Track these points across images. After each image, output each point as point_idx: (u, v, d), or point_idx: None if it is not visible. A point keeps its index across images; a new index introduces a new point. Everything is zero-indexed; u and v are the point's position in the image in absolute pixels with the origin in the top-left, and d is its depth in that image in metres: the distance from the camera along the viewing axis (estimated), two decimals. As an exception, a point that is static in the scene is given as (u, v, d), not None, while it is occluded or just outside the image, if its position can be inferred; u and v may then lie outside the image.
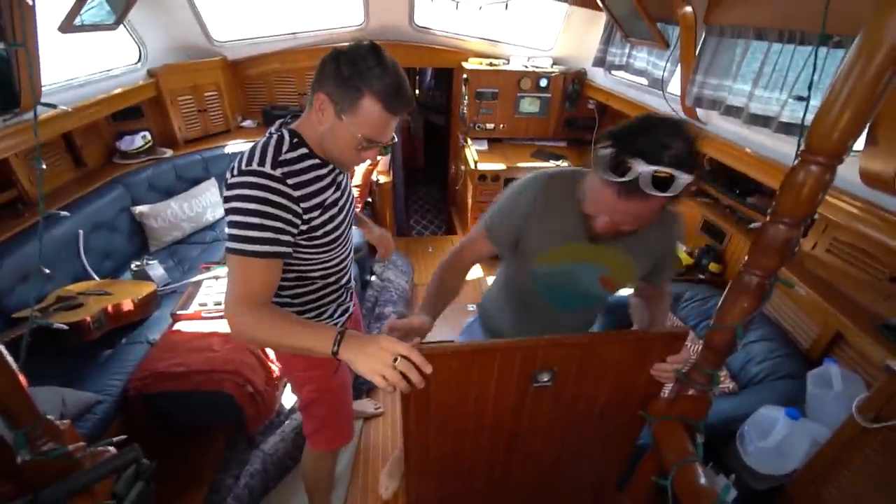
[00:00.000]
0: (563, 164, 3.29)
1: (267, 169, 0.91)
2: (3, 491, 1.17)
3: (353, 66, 0.90)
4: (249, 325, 0.88)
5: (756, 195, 2.27)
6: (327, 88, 0.92)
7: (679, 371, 0.93)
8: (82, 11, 1.95)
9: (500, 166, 3.21)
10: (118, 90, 2.50)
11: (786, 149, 1.84)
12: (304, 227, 1.00)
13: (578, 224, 1.04)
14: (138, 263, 2.30)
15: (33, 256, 1.88)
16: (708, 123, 2.28)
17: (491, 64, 3.37)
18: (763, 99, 1.81)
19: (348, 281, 1.32)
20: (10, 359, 0.67)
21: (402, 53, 3.52)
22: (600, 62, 2.96)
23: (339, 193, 1.11)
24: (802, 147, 0.66)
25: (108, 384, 1.73)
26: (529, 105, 3.42)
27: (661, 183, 0.81)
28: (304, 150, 1.00)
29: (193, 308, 2.08)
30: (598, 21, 2.95)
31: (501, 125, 3.49)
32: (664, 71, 2.36)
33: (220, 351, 1.84)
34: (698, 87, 2.14)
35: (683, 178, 0.82)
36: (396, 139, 1.08)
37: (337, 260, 1.18)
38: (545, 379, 0.93)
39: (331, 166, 1.07)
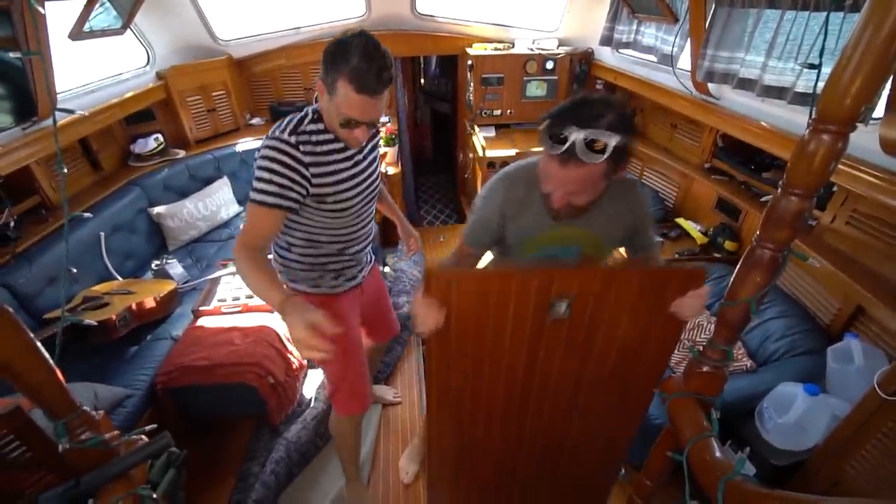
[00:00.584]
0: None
1: (285, 136, 1.10)
2: (48, 480, 1.24)
3: (334, 53, 1.03)
4: (242, 267, 1.08)
5: (772, 170, 2.22)
6: (321, 74, 1.08)
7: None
8: (90, 18, 1.99)
9: (510, 152, 3.18)
10: (129, 94, 2.54)
11: (802, 120, 1.79)
12: (313, 192, 1.15)
13: (544, 208, 1.09)
14: (158, 263, 2.37)
15: (59, 259, 1.95)
16: (720, 98, 2.22)
17: (495, 49, 3.33)
18: (777, 70, 1.76)
19: (358, 252, 1.41)
20: (46, 355, 0.71)
21: (406, 43, 3.49)
22: (607, 41, 2.90)
23: (355, 170, 1.23)
24: (814, 116, 0.65)
25: (137, 379, 1.80)
26: (536, 88, 3.37)
27: (596, 148, 0.87)
28: (321, 126, 1.15)
29: (213, 304, 2.13)
30: (603, -2, 2.88)
31: (508, 111, 3.45)
32: (673, 46, 2.31)
33: (241, 344, 1.90)
34: (709, 60, 2.08)
35: (616, 141, 0.87)
36: (382, 122, 1.19)
37: (347, 230, 1.31)
38: (562, 310, 0.91)
39: (344, 144, 1.19)
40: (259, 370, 1.82)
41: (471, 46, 3.38)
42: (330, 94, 1.08)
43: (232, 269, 2.34)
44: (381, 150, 1.41)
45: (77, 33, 1.94)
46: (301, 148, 1.11)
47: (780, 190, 0.70)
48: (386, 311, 1.75)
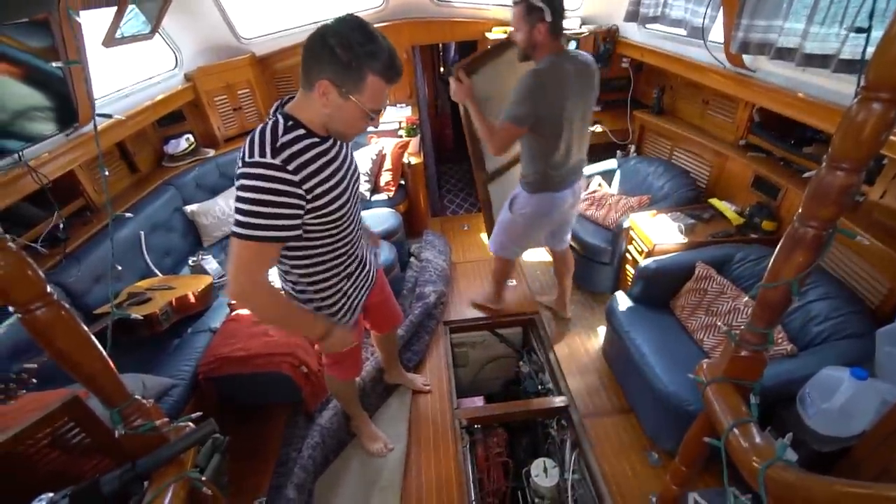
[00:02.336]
0: (599, 129, 3.16)
1: (268, 159, 0.97)
2: (104, 464, 1.33)
3: (348, 49, 0.95)
4: (261, 303, 1.10)
5: (814, 144, 2.10)
6: (327, 74, 0.98)
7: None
8: (121, 24, 2.06)
9: (532, 137, 3.13)
10: (160, 96, 2.64)
11: (847, 90, 1.67)
12: (309, 206, 1.07)
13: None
14: (195, 259, 2.47)
15: (105, 258, 2.07)
16: (756, 71, 2.11)
17: (515, 31, 3.25)
18: (819, 36, 1.65)
19: (361, 251, 1.38)
20: (100, 347, 0.76)
21: (424, 30, 3.46)
22: (633, 16, 2.78)
23: (338, 163, 1.15)
24: (863, 83, 0.61)
25: (180, 370, 1.90)
26: (558, 70, 3.28)
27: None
28: (300, 132, 1.05)
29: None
30: (628, -29, 2.76)
31: (530, 94, 3.38)
32: (704, 17, 2.19)
33: (276, 335, 1.97)
34: (744, 31, 1.97)
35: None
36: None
37: (347, 235, 1.26)
38: None
39: (331, 140, 1.13)
40: (293, 360, 1.89)
41: (490, 30, 3.32)
42: (348, 94, 1.00)
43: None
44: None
45: (110, 40, 2.02)
46: (289, 167, 0.99)
47: (824, 164, 0.67)
48: (388, 301, 1.75)
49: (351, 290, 1.38)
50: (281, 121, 1.04)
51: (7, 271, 0.60)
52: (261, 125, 1.04)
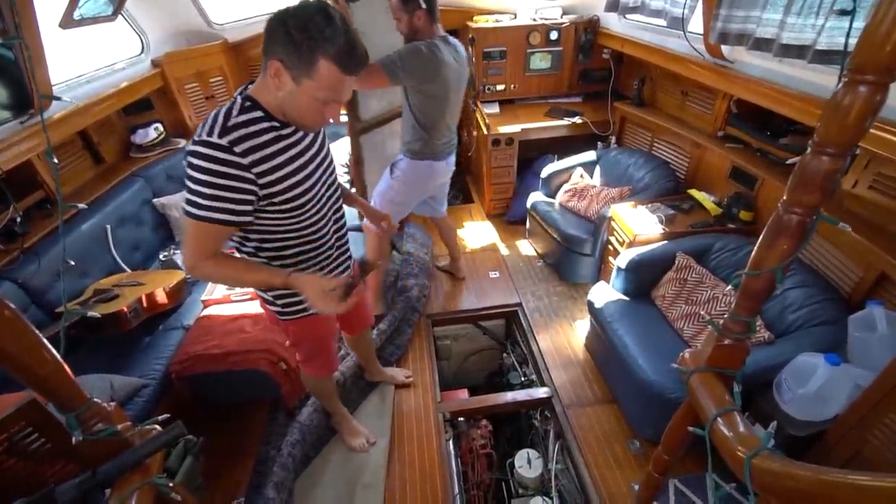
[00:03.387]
0: (579, 120, 3.16)
1: (214, 138, 0.93)
2: (68, 470, 1.26)
3: (303, 30, 0.90)
4: (213, 273, 1.08)
5: (789, 135, 2.13)
6: (279, 55, 0.93)
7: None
8: (80, 5, 1.93)
9: (515, 128, 3.11)
10: (125, 83, 2.50)
11: (823, 80, 1.70)
12: (263, 193, 1.02)
13: None
14: (166, 253, 2.37)
15: (71, 253, 1.95)
16: (735, 62, 2.12)
17: (497, 21, 3.21)
18: (797, 27, 1.67)
19: (335, 251, 1.31)
20: (52, 349, 0.70)
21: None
22: (613, 6, 2.77)
23: (305, 157, 1.10)
24: (848, 67, 0.59)
25: (152, 369, 1.82)
26: (540, 61, 3.26)
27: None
28: (257, 114, 1.00)
29: (222, 293, 2.13)
30: (609, -40, 2.74)
31: (512, 85, 3.35)
32: (684, 8, 2.19)
33: (252, 332, 1.90)
34: (723, 21, 1.98)
35: None
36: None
37: (311, 229, 1.18)
38: None
39: (293, 129, 1.06)
40: (271, 356, 1.83)
41: (471, 19, 3.27)
42: (298, 77, 0.94)
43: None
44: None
45: (67, 22, 1.89)
46: (236, 148, 0.95)
47: (809, 149, 0.66)
48: (360, 302, 1.70)
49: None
50: (238, 101, 1.00)
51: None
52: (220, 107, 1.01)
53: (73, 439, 0.76)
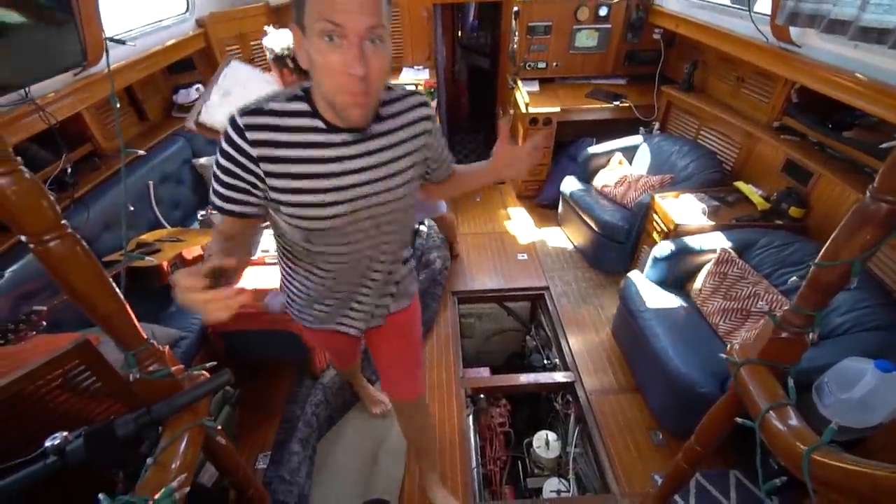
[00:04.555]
0: (622, 103, 3.04)
1: (237, 115, 0.79)
2: (114, 409, 1.32)
3: None
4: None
5: (854, 129, 2.00)
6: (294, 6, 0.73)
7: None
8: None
9: (554, 108, 3.01)
10: (171, 41, 2.52)
11: (904, 70, 1.57)
12: (271, 196, 0.83)
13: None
14: (203, 213, 2.42)
15: (114, 205, 2.02)
16: (802, 46, 1.98)
17: (544, -7, 3.08)
18: (881, 7, 1.53)
19: (357, 300, 1.08)
20: (116, 288, 0.72)
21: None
22: (672, -18, 2.62)
23: (349, 164, 0.84)
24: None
25: (190, 322, 1.89)
26: (587, 38, 3.13)
27: None
28: (300, 106, 0.81)
29: (257, 254, 2.18)
30: (671, -69, 2.58)
31: (555, 63, 3.23)
32: (752, -15, 2.05)
33: (285, 294, 1.94)
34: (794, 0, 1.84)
35: None
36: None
37: (345, 250, 0.94)
38: None
39: (344, 137, 0.83)
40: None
41: (516, -9, 3.14)
42: (304, 27, 0.72)
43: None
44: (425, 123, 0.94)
45: (120, -26, 1.91)
46: (248, 135, 0.78)
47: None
48: (399, 358, 1.32)
49: (320, 303, 1.10)
50: (294, 91, 0.83)
51: (20, 197, 0.55)
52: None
53: (131, 377, 0.79)
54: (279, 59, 1.93)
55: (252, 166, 0.80)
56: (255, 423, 1.93)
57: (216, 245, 0.82)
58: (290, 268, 1.05)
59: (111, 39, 1.19)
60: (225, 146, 0.80)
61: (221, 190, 0.82)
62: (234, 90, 2.18)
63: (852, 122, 2.02)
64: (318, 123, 0.81)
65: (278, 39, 1.92)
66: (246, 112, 0.79)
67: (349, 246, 0.94)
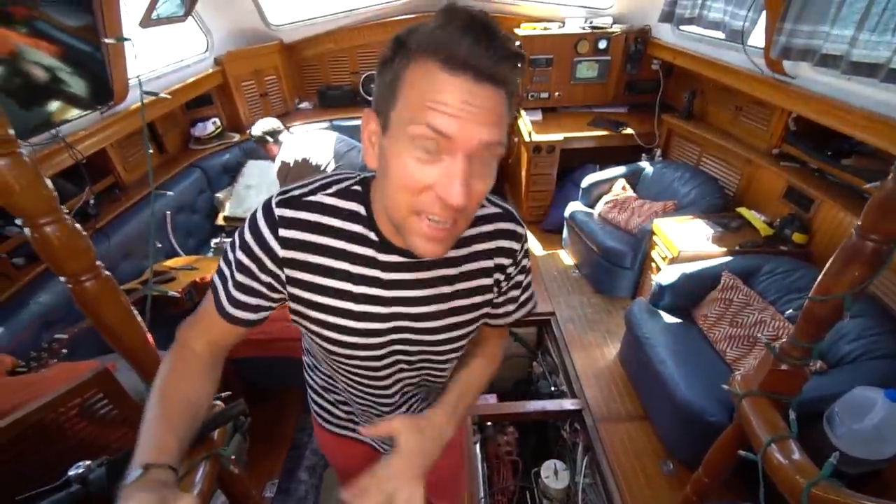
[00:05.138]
0: (624, 131, 3.11)
1: (273, 203, 0.63)
2: (129, 437, 1.35)
3: (394, 43, 0.54)
4: (161, 370, 0.69)
5: (853, 156, 2.03)
6: (374, 92, 0.57)
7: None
8: (157, 6, 2.08)
9: (557, 136, 3.10)
10: (191, 79, 2.66)
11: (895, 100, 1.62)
12: (291, 305, 0.69)
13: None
14: (217, 241, 2.50)
15: (132, 236, 2.11)
16: (796, 77, 2.05)
17: (545, 28, 3.21)
18: (870, 44, 1.59)
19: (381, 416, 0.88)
20: (141, 321, 0.77)
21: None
22: (668, 17, 2.72)
23: (380, 290, 0.67)
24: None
25: (201, 349, 1.93)
26: (587, 70, 3.24)
27: None
28: (356, 208, 0.64)
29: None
30: (666, -29, 2.70)
31: (556, 93, 3.34)
32: (745, 21, 2.13)
33: (295, 321, 1.98)
34: (787, 35, 1.91)
35: None
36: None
37: (367, 383, 0.79)
38: None
39: (395, 258, 0.65)
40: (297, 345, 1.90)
41: (519, 27, 3.28)
42: (386, 112, 0.54)
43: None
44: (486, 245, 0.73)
45: (147, 21, 2.04)
46: (281, 231, 0.62)
47: (892, 174, 0.64)
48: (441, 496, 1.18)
49: (343, 403, 0.96)
50: (353, 180, 0.66)
51: (63, 243, 0.61)
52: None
53: (151, 407, 0.83)
54: (260, 140, 2.39)
55: (273, 266, 0.64)
56: (264, 452, 1.94)
57: (164, 412, 0.62)
58: (310, 355, 0.92)
59: (147, 93, 1.26)
60: (247, 237, 0.63)
61: (234, 293, 0.66)
62: (254, 182, 2.69)
63: (851, 150, 2.06)
64: (371, 235, 0.64)
65: (260, 124, 2.39)
66: (286, 202, 0.62)
67: (379, 381, 0.79)
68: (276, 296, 0.67)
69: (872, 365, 1.54)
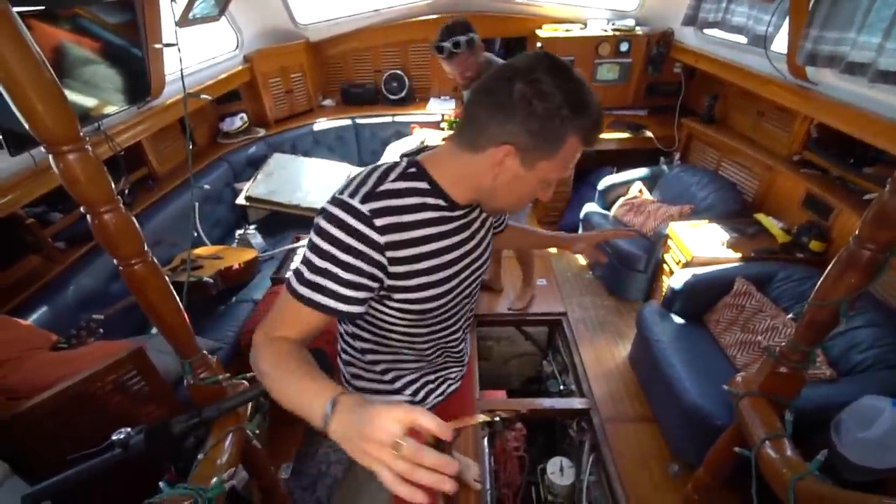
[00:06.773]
0: (643, 133, 3.10)
1: (355, 202, 0.71)
2: (158, 412, 1.45)
3: (549, 100, 0.67)
4: (263, 364, 0.72)
5: (876, 165, 2.01)
6: (516, 138, 0.69)
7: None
8: (194, 7, 2.18)
9: (574, 138, 3.11)
10: (222, 76, 2.78)
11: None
12: (389, 284, 0.77)
13: None
14: (241, 232, 2.61)
15: (164, 225, 2.23)
16: (819, 84, 2.02)
17: (567, 30, 3.22)
18: None
19: (457, 354, 1.06)
20: (180, 303, 0.85)
21: (475, 25, 3.47)
22: (691, 20, 2.71)
23: (459, 241, 0.83)
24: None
25: (224, 334, 2.03)
26: (608, 72, 3.24)
27: None
28: (421, 185, 0.76)
29: (288, 273, 2.33)
30: (690, -26, 2.68)
31: (576, 95, 3.34)
32: (769, 26, 2.12)
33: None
34: (812, 42, 1.89)
35: None
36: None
37: (439, 328, 0.92)
38: None
39: (463, 211, 0.82)
40: (331, 337, 1.98)
41: (540, 28, 3.30)
42: (535, 161, 0.71)
43: (304, 241, 2.53)
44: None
45: (184, 20, 2.15)
46: (377, 221, 0.71)
47: (888, 187, 0.67)
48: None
49: (419, 378, 1.04)
50: (403, 164, 0.77)
51: (119, 229, 0.69)
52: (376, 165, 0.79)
53: (185, 382, 0.91)
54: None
55: (377, 255, 0.72)
56: (280, 435, 2.03)
57: (303, 375, 0.68)
58: (361, 339, 0.97)
59: (190, 94, 1.34)
60: (345, 238, 0.70)
61: (341, 290, 0.71)
62: (276, 171, 2.71)
63: (875, 158, 2.03)
64: (440, 202, 0.77)
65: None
66: (365, 197, 0.71)
67: (449, 327, 0.93)
68: (375, 285, 0.76)
69: (883, 375, 1.53)
